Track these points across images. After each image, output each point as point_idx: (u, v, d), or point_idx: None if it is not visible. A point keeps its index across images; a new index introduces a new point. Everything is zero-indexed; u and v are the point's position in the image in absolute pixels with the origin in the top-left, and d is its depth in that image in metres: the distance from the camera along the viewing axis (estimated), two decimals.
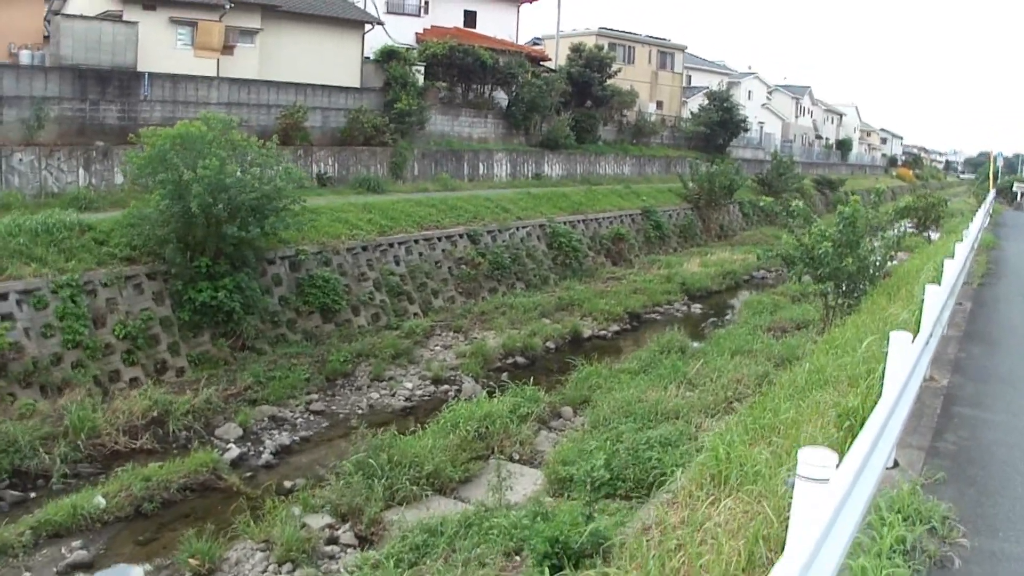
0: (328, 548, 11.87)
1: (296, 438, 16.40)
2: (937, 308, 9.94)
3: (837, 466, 4.51)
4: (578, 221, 35.64)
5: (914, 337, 8.22)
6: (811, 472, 4.38)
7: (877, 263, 19.07)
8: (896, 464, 7.51)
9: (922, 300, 12.30)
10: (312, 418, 17.52)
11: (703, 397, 16.52)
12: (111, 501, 13.08)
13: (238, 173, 18.40)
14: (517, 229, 31.24)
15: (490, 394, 18.21)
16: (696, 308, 31.25)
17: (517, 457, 14.81)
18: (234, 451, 15.51)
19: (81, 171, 23.99)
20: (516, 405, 16.33)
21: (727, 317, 29.24)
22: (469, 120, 41.14)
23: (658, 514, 7.61)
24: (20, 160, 22.72)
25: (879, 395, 7.07)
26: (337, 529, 12.31)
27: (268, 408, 17.34)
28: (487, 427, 15.07)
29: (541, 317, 26.09)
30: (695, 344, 23.41)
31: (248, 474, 14.95)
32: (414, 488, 12.81)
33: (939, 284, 11.57)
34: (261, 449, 15.79)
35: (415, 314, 24.52)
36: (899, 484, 6.62)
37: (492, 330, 24.23)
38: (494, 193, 34.40)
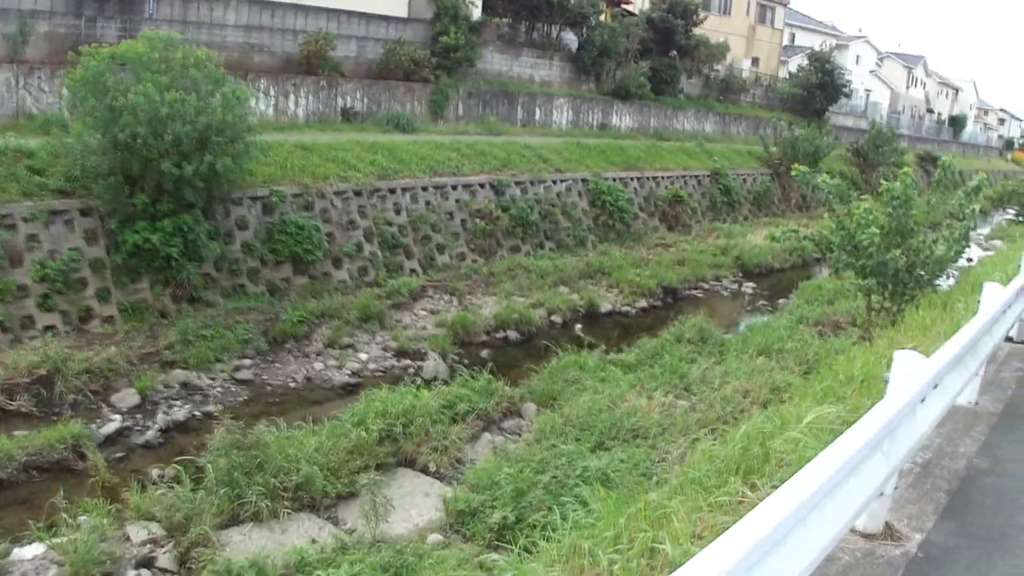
0: (135, 573, 9.36)
1: (198, 413, 13.90)
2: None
3: None
4: (631, 179, 32.22)
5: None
6: None
7: (936, 259, 15.16)
8: None
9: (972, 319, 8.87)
10: (233, 388, 15.06)
11: (691, 412, 13.37)
12: None
13: (177, 101, 15.83)
14: (554, 182, 28.09)
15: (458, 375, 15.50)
16: (748, 287, 27.79)
17: (433, 468, 12.04)
18: (115, 424, 13.15)
19: (65, 92, 21.84)
20: (457, 398, 13.51)
21: (780, 302, 25.63)
22: (531, 61, 37.98)
23: None
24: None
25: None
26: (161, 547, 9.79)
27: (183, 373, 14.91)
28: (404, 426, 12.34)
29: (559, 284, 23.07)
30: (725, 335, 20.03)
31: (120, 454, 12.58)
32: (266, 503, 10.17)
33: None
34: (149, 424, 13.38)
35: (412, 271, 21.83)
36: None
37: (495, 296, 21.39)
38: (538, 141, 31.22)
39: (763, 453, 6.80)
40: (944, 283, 18.98)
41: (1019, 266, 13.79)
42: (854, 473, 4.72)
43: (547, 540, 6.27)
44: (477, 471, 11.19)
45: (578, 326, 20.96)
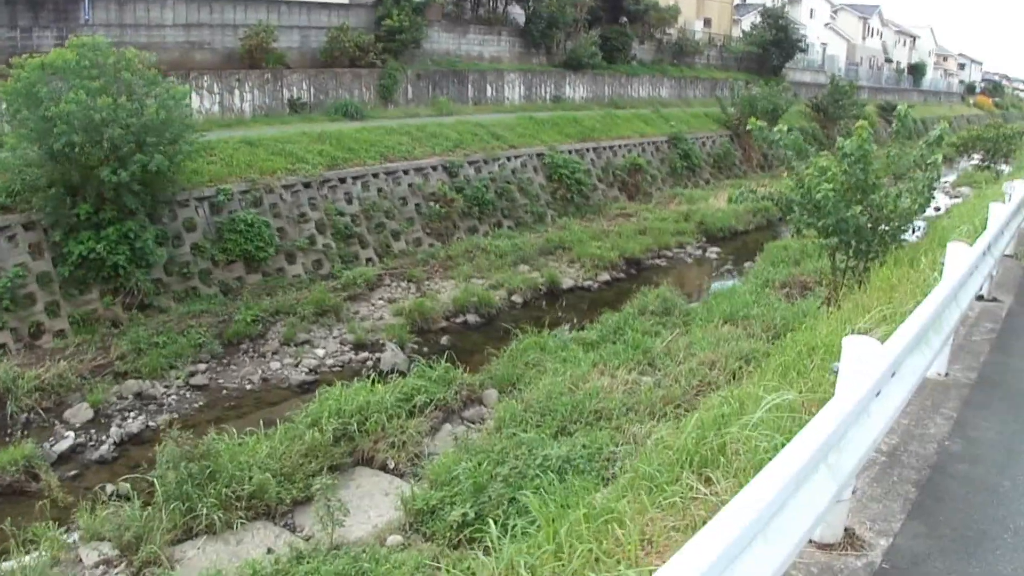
0: None
1: (152, 423, 13.64)
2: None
3: None
4: (587, 149, 32.02)
5: None
6: None
7: (901, 213, 14.80)
8: None
9: (937, 283, 8.04)
10: (188, 395, 14.78)
11: (656, 389, 13.11)
12: None
13: (109, 106, 15.50)
14: (508, 159, 27.85)
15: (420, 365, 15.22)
16: (712, 252, 27.62)
17: (392, 465, 11.86)
18: (68, 441, 12.87)
19: (3, 106, 21.35)
20: (415, 390, 13.28)
21: (746, 265, 25.50)
22: (479, 38, 37.56)
23: None
24: None
25: None
26: (115, 567, 9.57)
27: (136, 383, 14.62)
28: (359, 424, 12.13)
29: (519, 263, 22.88)
30: (690, 304, 19.79)
31: (74, 472, 12.31)
32: (219, 514, 9.95)
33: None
34: (103, 438, 13.11)
35: (368, 260, 21.54)
36: None
37: (454, 279, 21.18)
38: (490, 118, 30.93)
39: (719, 443, 6.33)
40: (912, 236, 18.72)
41: (987, 218, 13.16)
42: (786, 507, 4.00)
43: (487, 553, 6.08)
44: (436, 466, 10.97)
45: (541, 304, 20.81)
